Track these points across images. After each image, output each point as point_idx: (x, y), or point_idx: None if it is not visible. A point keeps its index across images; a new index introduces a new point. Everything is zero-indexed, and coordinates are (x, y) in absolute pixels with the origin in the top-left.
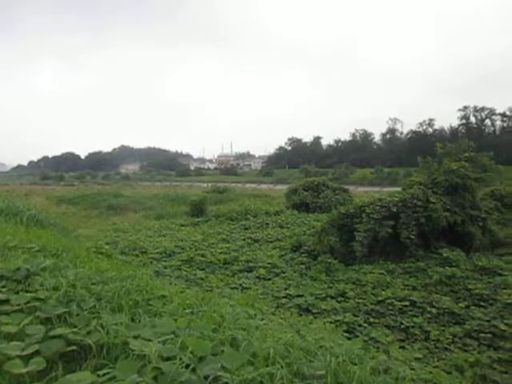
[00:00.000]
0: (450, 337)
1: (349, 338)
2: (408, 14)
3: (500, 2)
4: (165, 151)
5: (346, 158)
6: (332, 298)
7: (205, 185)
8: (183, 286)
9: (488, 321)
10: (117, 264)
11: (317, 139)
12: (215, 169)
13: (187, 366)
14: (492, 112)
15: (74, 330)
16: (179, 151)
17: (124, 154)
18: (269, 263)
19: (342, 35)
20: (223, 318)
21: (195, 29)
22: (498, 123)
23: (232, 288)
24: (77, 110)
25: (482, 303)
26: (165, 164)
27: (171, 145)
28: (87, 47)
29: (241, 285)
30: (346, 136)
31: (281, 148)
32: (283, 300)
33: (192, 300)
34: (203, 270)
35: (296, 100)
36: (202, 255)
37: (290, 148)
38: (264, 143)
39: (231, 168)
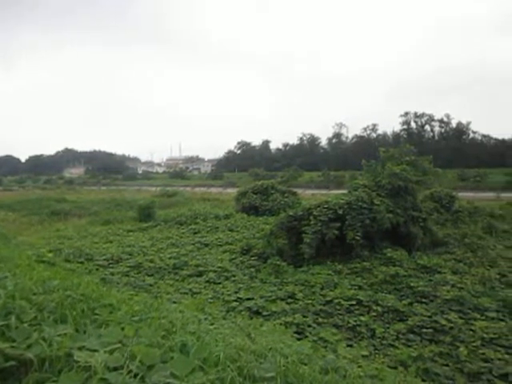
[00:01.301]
0: (395, 333)
1: (298, 339)
2: (364, 26)
3: (454, 17)
4: (111, 154)
5: (294, 161)
6: (282, 299)
7: (153, 189)
8: (131, 293)
9: (429, 316)
10: (60, 272)
11: (265, 143)
12: (164, 172)
13: (136, 376)
14: (431, 118)
15: (13, 344)
16: (126, 154)
17: (68, 157)
18: (219, 267)
19: (302, 44)
20: (172, 324)
21: (144, 30)
22: (437, 129)
23: (182, 293)
24: (16, 112)
25: (423, 300)
26: (111, 168)
27: (118, 148)
28: (28, 48)
29: (191, 290)
30: (294, 140)
31: (230, 151)
32: (234, 303)
33: (140, 307)
34: (152, 275)
35: (247, 104)
36: (151, 261)
37: (239, 151)
38: (213, 146)
39: (180, 171)
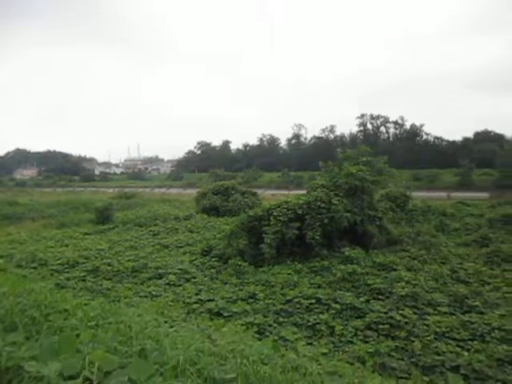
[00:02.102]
0: (353, 330)
1: (260, 339)
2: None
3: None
4: (66, 155)
5: (255, 162)
6: (243, 300)
7: (111, 190)
8: (88, 298)
9: (385, 313)
10: (11, 279)
11: (226, 143)
12: (122, 173)
13: (92, 383)
14: (386, 120)
15: None
16: (82, 155)
17: (19, 158)
18: (179, 269)
19: (264, 44)
20: (131, 328)
21: (100, 29)
22: (392, 130)
23: (141, 296)
24: None
25: (380, 297)
26: (66, 169)
27: (74, 149)
28: None
29: (150, 293)
30: (254, 141)
31: (190, 152)
32: (194, 305)
33: (97, 312)
34: (110, 279)
35: (207, 104)
36: (109, 264)
37: (199, 152)
38: (173, 147)
39: (139, 172)
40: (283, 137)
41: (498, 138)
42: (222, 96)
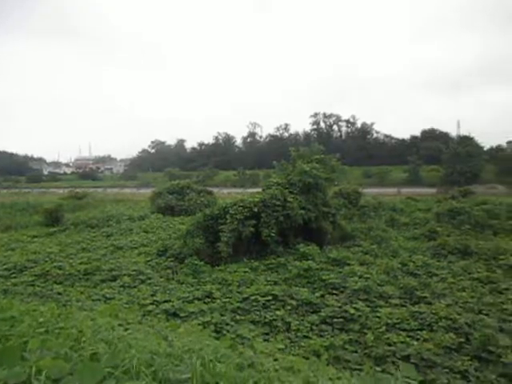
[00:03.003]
0: (309, 325)
1: (217, 338)
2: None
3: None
4: (12, 155)
5: (210, 160)
6: (199, 299)
7: (61, 191)
8: (36, 304)
9: (340, 307)
10: None
11: (180, 142)
12: (73, 173)
13: None
14: (338, 119)
15: None
16: (29, 155)
17: None
18: (134, 270)
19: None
20: (82, 333)
21: (49, 23)
22: (344, 129)
23: (94, 300)
24: None
25: (334, 291)
26: (12, 169)
27: (19, 148)
28: None
29: (104, 295)
30: (209, 139)
31: (144, 151)
32: (150, 307)
33: (46, 318)
34: (61, 283)
35: (159, 102)
36: (60, 267)
37: (153, 151)
38: (126, 146)
39: (91, 172)
40: (239, 135)
41: (443, 136)
42: (176, 95)
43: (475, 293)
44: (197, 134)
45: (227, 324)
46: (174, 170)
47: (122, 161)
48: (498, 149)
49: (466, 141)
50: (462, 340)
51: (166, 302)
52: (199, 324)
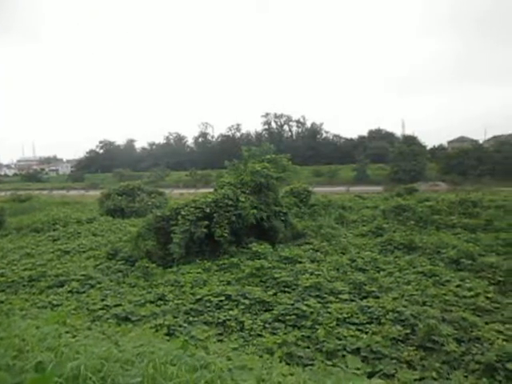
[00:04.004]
0: (262, 323)
1: (169, 341)
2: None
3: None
4: None
5: (161, 160)
6: (151, 302)
7: (2, 194)
8: None
9: (292, 304)
10: None
11: (130, 142)
12: (15, 175)
13: None
14: (289, 119)
15: None
16: None
17: None
18: (82, 275)
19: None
20: (26, 342)
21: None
22: (294, 129)
23: (40, 307)
24: None
25: (286, 289)
26: None
27: None
28: None
29: (50, 302)
30: (160, 139)
31: (92, 151)
32: (100, 312)
33: None
34: (3, 291)
35: (109, 102)
36: (1, 274)
37: (101, 151)
38: (73, 146)
39: (35, 173)
40: (190, 135)
41: (389, 136)
42: (126, 91)
43: (419, 285)
44: (147, 134)
45: (180, 326)
46: (123, 171)
47: (68, 161)
48: (440, 148)
49: (410, 140)
50: (408, 331)
51: (116, 306)
52: (151, 327)
